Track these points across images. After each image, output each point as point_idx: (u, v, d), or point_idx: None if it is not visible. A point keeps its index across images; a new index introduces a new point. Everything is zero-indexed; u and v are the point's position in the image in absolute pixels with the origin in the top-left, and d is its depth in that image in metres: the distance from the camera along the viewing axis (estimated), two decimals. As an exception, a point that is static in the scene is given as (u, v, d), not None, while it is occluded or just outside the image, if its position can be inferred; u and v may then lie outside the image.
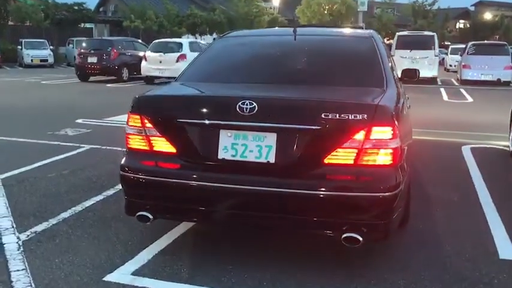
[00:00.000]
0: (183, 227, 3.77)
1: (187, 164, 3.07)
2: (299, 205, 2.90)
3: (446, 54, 28.50)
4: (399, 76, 4.65)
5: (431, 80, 18.52)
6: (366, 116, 2.79)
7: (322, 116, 2.82)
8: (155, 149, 3.12)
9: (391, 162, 2.84)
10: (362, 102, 3.02)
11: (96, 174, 5.32)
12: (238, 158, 2.94)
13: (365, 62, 3.71)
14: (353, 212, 2.86)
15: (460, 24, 61.31)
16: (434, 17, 48.15)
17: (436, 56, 18.64)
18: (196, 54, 17.94)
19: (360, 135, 2.80)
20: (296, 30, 4.13)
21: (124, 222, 3.87)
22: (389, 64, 3.78)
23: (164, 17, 34.78)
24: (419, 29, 40.18)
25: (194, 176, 3.03)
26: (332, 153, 2.85)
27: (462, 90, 16.16)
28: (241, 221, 3.12)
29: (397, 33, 19.48)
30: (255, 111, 2.88)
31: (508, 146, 6.68)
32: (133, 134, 3.18)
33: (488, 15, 54.84)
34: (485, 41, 23.08)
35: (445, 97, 14.39)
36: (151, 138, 3.11)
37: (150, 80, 17.59)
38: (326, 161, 2.86)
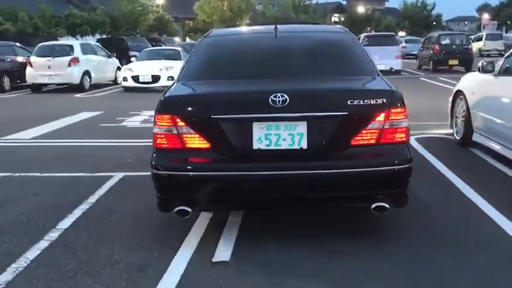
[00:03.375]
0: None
1: (222, 157, 3.27)
2: (332, 183, 3.23)
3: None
4: None
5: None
6: (385, 100, 3.22)
7: (348, 102, 3.19)
8: (188, 146, 3.25)
9: (405, 138, 3.28)
10: (381, 88, 3.43)
11: (24, 212, 4.25)
12: (272, 147, 3.19)
13: (354, 55, 4.02)
14: (379, 184, 3.27)
15: (335, 17, 64.83)
16: (314, 11, 50.21)
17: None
18: (89, 56, 16.88)
19: (380, 118, 3.20)
20: (277, 27, 4.20)
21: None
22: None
23: (38, 18, 31.73)
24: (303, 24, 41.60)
25: (231, 167, 3.26)
26: (358, 135, 3.21)
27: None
28: (282, 204, 3.45)
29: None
30: (286, 103, 3.14)
31: (451, 134, 6.74)
32: (163, 134, 3.28)
33: (361, 9, 58.61)
34: (377, 33, 24.36)
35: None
36: (183, 136, 3.24)
37: (37, 89, 15.67)
38: (353, 142, 3.22)
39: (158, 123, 3.30)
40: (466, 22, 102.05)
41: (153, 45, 28.75)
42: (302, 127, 3.19)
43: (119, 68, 17.92)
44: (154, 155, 3.37)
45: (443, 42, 20.09)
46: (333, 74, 3.76)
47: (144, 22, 34.96)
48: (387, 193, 3.31)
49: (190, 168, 3.31)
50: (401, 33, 55.92)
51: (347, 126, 3.22)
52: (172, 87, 3.73)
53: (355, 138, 3.22)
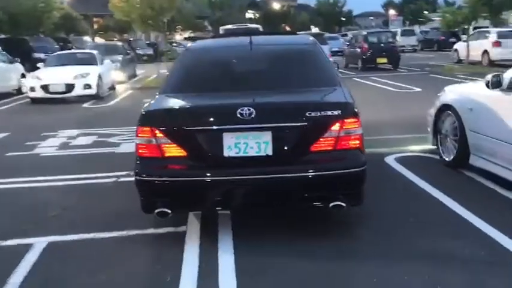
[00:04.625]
0: None
1: (197, 164, 3.65)
2: (294, 186, 3.62)
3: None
4: None
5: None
6: (340, 111, 3.59)
7: (307, 114, 3.56)
8: (166, 154, 3.63)
9: (359, 145, 3.65)
10: (336, 100, 3.81)
11: None
12: (241, 154, 3.57)
13: (319, 66, 4.39)
14: (336, 186, 3.64)
15: (250, 14, 64.29)
16: (230, 8, 49.15)
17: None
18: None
19: (336, 127, 3.57)
20: (252, 40, 4.54)
21: None
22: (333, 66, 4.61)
23: None
24: (220, 20, 40.50)
25: (204, 173, 3.62)
26: (316, 143, 3.59)
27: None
28: (250, 205, 3.83)
29: (221, 27, 18.41)
30: (253, 116, 3.54)
31: (434, 152, 5.93)
32: (144, 144, 3.66)
33: (276, 5, 58.47)
34: (306, 32, 23.64)
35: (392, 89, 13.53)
36: (162, 146, 3.61)
37: None
38: (312, 149, 3.60)
39: (139, 135, 3.68)
40: (371, 17, 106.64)
41: (60, 46, 26.11)
42: (267, 136, 3.57)
43: (23, 75, 15.63)
44: (137, 162, 3.73)
45: (370, 40, 19.88)
46: (298, 86, 4.17)
47: (48, 20, 31.83)
48: (343, 193, 3.66)
49: (169, 174, 3.66)
50: (314, 30, 56.70)
51: (307, 135, 3.61)
52: (153, 100, 4.08)
53: (314, 145, 3.61)
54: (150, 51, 32.38)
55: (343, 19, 64.49)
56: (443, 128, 5.71)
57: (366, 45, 19.47)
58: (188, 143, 3.61)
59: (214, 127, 3.62)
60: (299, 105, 3.75)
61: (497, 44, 19.39)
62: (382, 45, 19.84)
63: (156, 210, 3.63)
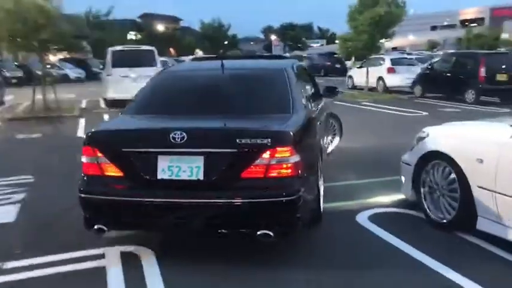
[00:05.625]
0: None
1: (132, 185, 3.73)
2: (223, 211, 3.63)
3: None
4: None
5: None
6: (269, 140, 3.57)
7: (237, 141, 3.57)
8: (106, 173, 3.76)
9: (292, 173, 3.60)
10: (267, 129, 3.76)
11: None
12: (174, 177, 3.62)
13: (276, 93, 4.45)
14: (265, 214, 3.62)
15: (132, 35, 61.41)
16: (111, 28, 46.15)
17: (159, 73, 16.27)
18: None
19: (266, 155, 3.56)
20: (224, 64, 4.75)
21: None
22: (301, 91, 4.73)
23: None
24: (100, 41, 37.55)
25: (138, 194, 3.69)
26: (247, 170, 3.58)
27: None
28: (180, 227, 3.88)
29: (110, 49, 16.24)
30: (184, 140, 3.58)
31: (412, 207, 4.80)
32: (88, 163, 3.81)
33: (161, 27, 56.49)
34: (207, 55, 22.00)
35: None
36: (102, 165, 3.75)
37: None
38: (243, 175, 3.59)
39: (84, 154, 3.84)
40: (252, 42, 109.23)
41: None
42: (200, 161, 3.61)
43: None
44: (80, 180, 3.87)
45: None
46: (249, 112, 4.20)
47: None
48: (272, 222, 3.61)
49: (105, 193, 3.76)
50: (199, 53, 55.72)
51: (237, 162, 3.60)
52: (106, 121, 5.03)
53: (245, 172, 3.58)
54: (20, 74, 28.55)
55: (226, 43, 64.24)
56: (431, 181, 4.60)
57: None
58: (125, 164, 3.73)
59: (149, 149, 3.71)
60: (230, 132, 3.76)
61: (391, 70, 19.74)
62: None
63: (94, 227, 3.78)
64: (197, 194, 3.62)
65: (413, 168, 4.78)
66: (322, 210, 4.59)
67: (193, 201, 3.62)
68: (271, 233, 3.54)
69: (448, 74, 16.42)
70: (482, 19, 72.03)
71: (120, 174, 3.72)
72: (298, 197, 3.56)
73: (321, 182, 4.70)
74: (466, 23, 70.56)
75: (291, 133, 3.67)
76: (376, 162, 7.18)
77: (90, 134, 3.94)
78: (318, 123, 5.15)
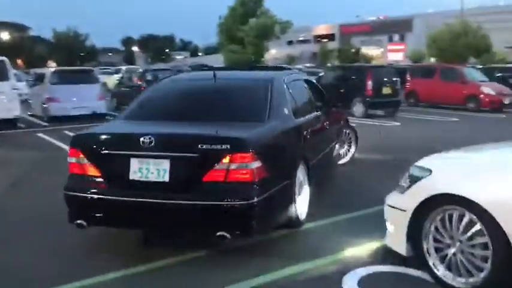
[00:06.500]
0: None
1: (108, 184, 4.09)
2: (185, 212, 3.90)
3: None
4: None
5: (12, 124, 13.40)
6: (229, 146, 3.79)
7: (199, 146, 3.84)
8: (87, 173, 4.13)
9: (250, 178, 3.80)
10: (226, 135, 3.93)
11: None
12: (143, 178, 3.96)
13: (255, 102, 4.69)
14: (222, 216, 3.83)
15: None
16: None
17: (15, 89, 13.47)
18: None
19: (226, 160, 3.78)
20: (216, 75, 5.02)
21: None
22: (286, 102, 4.89)
23: None
24: None
25: (113, 193, 4.04)
26: (208, 174, 3.83)
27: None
28: (147, 225, 4.19)
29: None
30: (152, 144, 3.91)
31: (411, 265, 3.71)
32: (72, 163, 4.21)
33: (5, 35, 50.06)
34: (71, 68, 18.99)
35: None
36: (84, 165, 4.13)
37: None
38: (204, 179, 3.84)
39: (69, 154, 4.24)
40: (110, 54, 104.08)
41: None
42: (166, 164, 3.91)
43: None
44: (68, 178, 4.27)
45: (149, 78, 17.22)
46: (224, 119, 4.42)
47: None
48: (229, 224, 3.82)
49: (85, 190, 4.11)
50: (53, 64, 50.63)
51: (199, 166, 3.85)
52: (95, 126, 5.05)
53: (207, 175, 3.83)
54: None
55: (82, 54, 59.49)
56: (440, 233, 3.55)
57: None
58: (103, 165, 4.10)
59: (123, 152, 4.06)
60: (192, 138, 4.04)
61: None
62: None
63: (75, 222, 4.13)
64: (162, 195, 3.91)
65: (410, 215, 3.70)
66: (301, 217, 4.77)
67: (159, 202, 3.90)
68: (227, 235, 3.79)
69: (336, 88, 16.28)
70: (333, 35, 77.24)
71: (98, 174, 4.09)
72: (254, 203, 3.78)
73: (305, 189, 4.97)
74: (319, 39, 75.12)
75: (251, 140, 3.93)
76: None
77: (75, 136, 4.40)
78: (305, 132, 5.17)
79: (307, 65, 35.17)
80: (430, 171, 3.68)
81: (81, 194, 4.09)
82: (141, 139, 3.91)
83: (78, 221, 4.09)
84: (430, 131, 12.78)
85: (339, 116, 7.49)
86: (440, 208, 3.54)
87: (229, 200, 3.75)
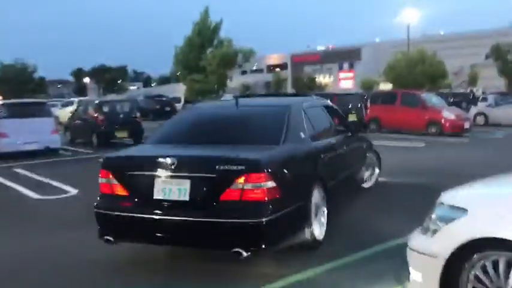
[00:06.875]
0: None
1: (134, 203, 4.42)
2: (204, 229, 4.18)
3: None
4: None
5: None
6: (244, 167, 4.06)
7: (216, 167, 4.13)
8: (115, 193, 4.50)
9: (264, 197, 4.05)
10: (241, 157, 4.21)
11: None
12: (166, 197, 4.28)
13: (272, 126, 4.97)
14: (238, 233, 4.08)
15: None
16: None
17: None
18: None
19: (241, 180, 4.05)
20: (238, 101, 5.49)
21: None
22: (304, 126, 5.16)
23: None
24: None
25: (138, 210, 4.37)
26: (225, 193, 4.09)
27: (42, 177, 10.71)
28: (169, 241, 4.47)
29: None
30: (175, 165, 4.22)
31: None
32: (103, 183, 4.59)
33: None
34: (20, 100, 17.67)
35: (32, 194, 8.50)
36: (113, 185, 4.50)
37: None
38: (222, 198, 4.11)
39: (100, 175, 4.60)
40: (59, 85, 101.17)
41: None
42: (186, 184, 4.20)
43: None
44: (98, 197, 4.65)
45: (106, 110, 16.35)
46: (242, 142, 4.72)
47: None
48: (245, 241, 4.04)
49: (113, 209, 4.48)
50: (-1, 97, 48.12)
51: (216, 185, 4.13)
52: (125, 149, 5.58)
53: (223, 194, 4.09)
54: None
55: (30, 87, 57.02)
56: (484, 284, 3.04)
57: (100, 117, 15.83)
58: (130, 185, 4.44)
59: (148, 173, 4.39)
60: (210, 159, 4.33)
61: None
62: (121, 116, 16.55)
63: (104, 237, 4.49)
64: (183, 213, 4.20)
65: (444, 263, 3.18)
66: (319, 237, 4.87)
67: (178, 219, 4.21)
68: (244, 252, 3.98)
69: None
70: (285, 64, 78.40)
71: (125, 193, 4.46)
72: (266, 221, 3.98)
73: (322, 210, 5.07)
74: (272, 68, 75.99)
75: (264, 161, 4.17)
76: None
77: (105, 159, 4.75)
78: (323, 155, 5.38)
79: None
80: (465, 210, 3.20)
81: (110, 212, 4.45)
82: (164, 161, 4.24)
83: (106, 237, 4.44)
84: (406, 157, 12.24)
85: (361, 140, 7.60)
86: (481, 253, 3.05)
87: (243, 217, 4.01)
